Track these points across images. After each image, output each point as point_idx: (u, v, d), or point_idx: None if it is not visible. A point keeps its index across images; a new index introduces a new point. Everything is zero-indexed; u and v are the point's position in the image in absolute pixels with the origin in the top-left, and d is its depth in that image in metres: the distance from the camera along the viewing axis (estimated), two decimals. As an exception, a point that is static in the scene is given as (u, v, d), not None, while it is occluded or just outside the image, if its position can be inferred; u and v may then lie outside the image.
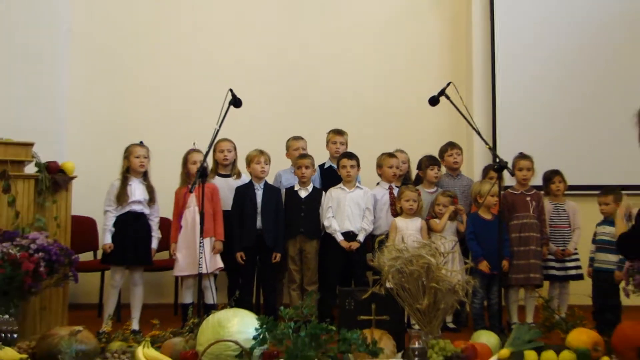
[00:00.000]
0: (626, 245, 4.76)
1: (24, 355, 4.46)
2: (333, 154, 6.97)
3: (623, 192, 6.23)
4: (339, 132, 7.05)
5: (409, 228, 6.27)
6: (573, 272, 6.43)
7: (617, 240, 4.80)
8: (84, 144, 7.85)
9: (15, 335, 4.78)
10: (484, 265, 6.11)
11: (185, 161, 6.37)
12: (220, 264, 6.28)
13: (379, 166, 6.75)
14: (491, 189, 6.13)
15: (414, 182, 6.96)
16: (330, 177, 6.83)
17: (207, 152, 5.72)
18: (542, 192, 6.63)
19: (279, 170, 7.05)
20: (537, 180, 6.66)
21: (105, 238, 6.09)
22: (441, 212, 6.37)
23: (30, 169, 5.50)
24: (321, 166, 7.05)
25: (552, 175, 6.58)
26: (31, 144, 5.44)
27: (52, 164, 5.49)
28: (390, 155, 6.72)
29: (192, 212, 6.17)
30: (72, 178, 5.62)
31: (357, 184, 6.61)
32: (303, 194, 6.60)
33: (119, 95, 8.15)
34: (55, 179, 5.47)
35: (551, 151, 7.59)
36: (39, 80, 7.59)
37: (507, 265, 6.18)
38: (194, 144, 6.33)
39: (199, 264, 5.53)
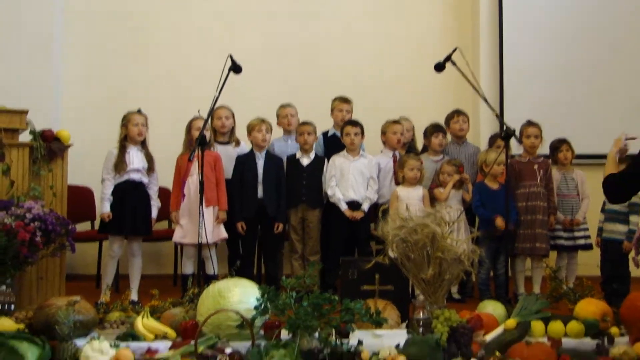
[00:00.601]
0: (612, 187, 4.66)
1: (21, 326, 4.42)
2: (338, 122, 6.85)
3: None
4: (344, 100, 6.93)
5: (411, 197, 6.16)
6: (582, 242, 6.37)
7: (604, 179, 4.71)
8: (80, 111, 7.73)
9: (12, 307, 4.74)
10: (499, 221, 5.97)
11: (189, 128, 6.25)
12: (225, 234, 6.20)
13: (383, 133, 6.65)
14: (498, 157, 6.01)
15: (420, 151, 6.85)
16: (334, 145, 6.71)
17: (207, 120, 5.64)
18: (550, 160, 6.52)
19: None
20: (545, 149, 6.53)
21: (103, 207, 5.99)
22: (446, 181, 6.26)
23: (25, 137, 5.40)
24: (325, 134, 6.93)
25: (559, 144, 6.49)
26: (25, 112, 5.32)
27: (47, 132, 5.39)
28: (395, 121, 6.62)
29: (195, 181, 6.05)
30: (68, 146, 5.52)
31: (362, 153, 6.48)
32: (305, 161, 6.49)
33: (116, 62, 8.01)
34: (50, 147, 5.37)
35: (559, 119, 7.51)
36: (33, 46, 7.45)
37: (512, 226, 6.06)
38: (198, 111, 6.19)
39: (199, 233, 5.45)
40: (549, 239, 6.26)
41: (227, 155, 6.48)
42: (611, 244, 5.95)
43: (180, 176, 6.16)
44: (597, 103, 7.91)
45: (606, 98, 7.91)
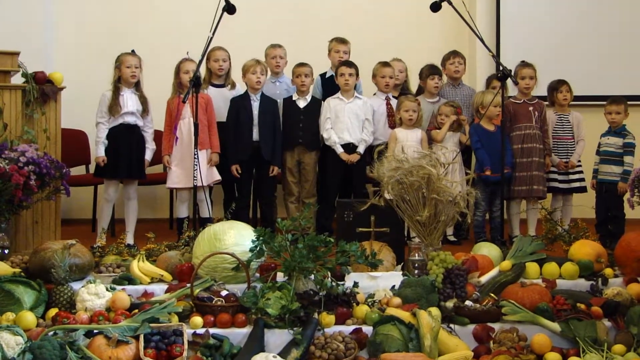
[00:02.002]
0: None
1: (17, 270, 4.43)
2: (335, 63, 6.72)
3: (628, 102, 6.12)
4: (342, 41, 6.81)
5: (409, 139, 6.11)
6: (576, 184, 6.32)
7: None
8: (73, 53, 7.61)
9: (6, 251, 4.75)
10: (489, 171, 5.97)
11: (178, 70, 6.15)
12: (218, 177, 6.17)
13: (374, 76, 6.56)
14: (494, 98, 5.97)
15: (416, 93, 6.79)
16: (331, 87, 6.59)
17: (200, 61, 5.59)
18: (547, 102, 6.47)
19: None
20: (539, 90, 6.48)
21: (98, 151, 5.92)
22: (443, 122, 6.21)
23: (17, 80, 5.36)
24: (322, 75, 6.84)
25: (558, 85, 6.40)
26: (17, 53, 5.28)
27: (40, 74, 5.35)
28: (385, 64, 6.50)
29: (187, 124, 5.99)
30: (61, 89, 5.48)
31: (356, 94, 6.42)
32: (302, 103, 6.41)
33: (109, 2, 7.86)
34: (43, 89, 5.34)
35: (556, 60, 7.45)
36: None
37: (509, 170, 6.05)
38: (187, 53, 6.10)
39: (194, 177, 5.43)
40: (546, 181, 6.25)
41: (222, 98, 6.41)
42: (606, 185, 5.95)
43: (172, 120, 6.08)
44: (594, 43, 7.82)
45: (603, 38, 7.82)
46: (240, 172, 6.26)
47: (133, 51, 6.03)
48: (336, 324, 4.07)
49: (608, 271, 4.75)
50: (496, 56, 6.40)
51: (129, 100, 5.95)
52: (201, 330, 3.96)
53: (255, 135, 6.28)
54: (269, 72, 6.69)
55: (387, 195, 4.94)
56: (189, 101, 5.56)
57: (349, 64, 6.39)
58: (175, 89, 6.17)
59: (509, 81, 5.77)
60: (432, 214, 4.83)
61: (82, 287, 4.22)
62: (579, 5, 7.84)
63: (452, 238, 6.26)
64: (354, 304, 4.22)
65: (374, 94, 6.67)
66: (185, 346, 3.80)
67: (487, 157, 6.04)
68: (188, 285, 4.28)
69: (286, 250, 4.33)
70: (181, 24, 7.70)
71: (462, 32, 7.17)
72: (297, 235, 4.41)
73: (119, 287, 4.37)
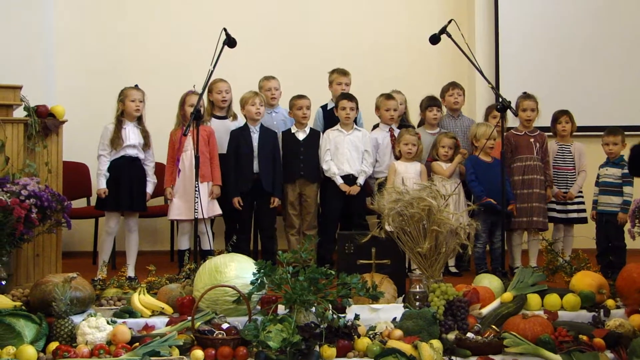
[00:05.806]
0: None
1: (18, 303, 4.42)
2: (337, 95, 6.69)
3: (626, 132, 6.13)
4: (343, 73, 6.84)
5: (409, 171, 6.12)
6: (574, 215, 6.32)
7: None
8: (74, 86, 7.65)
9: (3, 282, 4.74)
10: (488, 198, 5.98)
11: (183, 103, 6.16)
12: (219, 211, 6.17)
13: (377, 108, 6.58)
14: (492, 131, 6.00)
15: (417, 125, 6.81)
16: (333, 119, 6.57)
17: (202, 94, 5.61)
18: (550, 132, 6.50)
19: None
20: (542, 121, 6.50)
21: (100, 183, 5.94)
22: (446, 155, 6.20)
23: (19, 113, 5.37)
24: (324, 107, 6.85)
25: (559, 115, 6.43)
26: (19, 87, 5.28)
27: (42, 108, 5.35)
28: (388, 97, 6.53)
29: (189, 156, 6.00)
30: (63, 122, 5.48)
31: (355, 126, 6.44)
32: (301, 136, 6.43)
33: (109, 35, 7.93)
34: (45, 123, 5.34)
35: (556, 90, 7.49)
36: (25, 20, 7.34)
37: (514, 208, 6.06)
38: (193, 86, 6.10)
39: (195, 209, 5.43)
40: (547, 212, 6.24)
41: (225, 129, 6.42)
42: (606, 216, 5.96)
43: (174, 152, 6.11)
44: (595, 74, 7.85)
45: (604, 69, 7.85)
46: (241, 204, 6.27)
47: (137, 85, 6.07)
48: (337, 356, 4.05)
49: (610, 302, 4.73)
50: (495, 88, 6.43)
51: (131, 134, 5.98)
52: (202, 364, 3.95)
53: (256, 167, 6.28)
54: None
55: (387, 227, 4.95)
56: (191, 133, 5.59)
57: (350, 97, 6.41)
58: (179, 120, 6.19)
59: (508, 112, 5.79)
60: (432, 245, 4.83)
61: (83, 320, 4.21)
62: (578, 36, 7.88)
63: (453, 269, 6.23)
64: (355, 336, 4.20)
65: (376, 126, 6.68)
66: (186, 380, 3.79)
67: (480, 189, 6.04)
68: (189, 318, 4.27)
69: (287, 282, 4.32)
70: (182, 58, 7.75)
71: (461, 64, 7.21)
72: (298, 267, 4.41)
73: (119, 320, 4.36)
